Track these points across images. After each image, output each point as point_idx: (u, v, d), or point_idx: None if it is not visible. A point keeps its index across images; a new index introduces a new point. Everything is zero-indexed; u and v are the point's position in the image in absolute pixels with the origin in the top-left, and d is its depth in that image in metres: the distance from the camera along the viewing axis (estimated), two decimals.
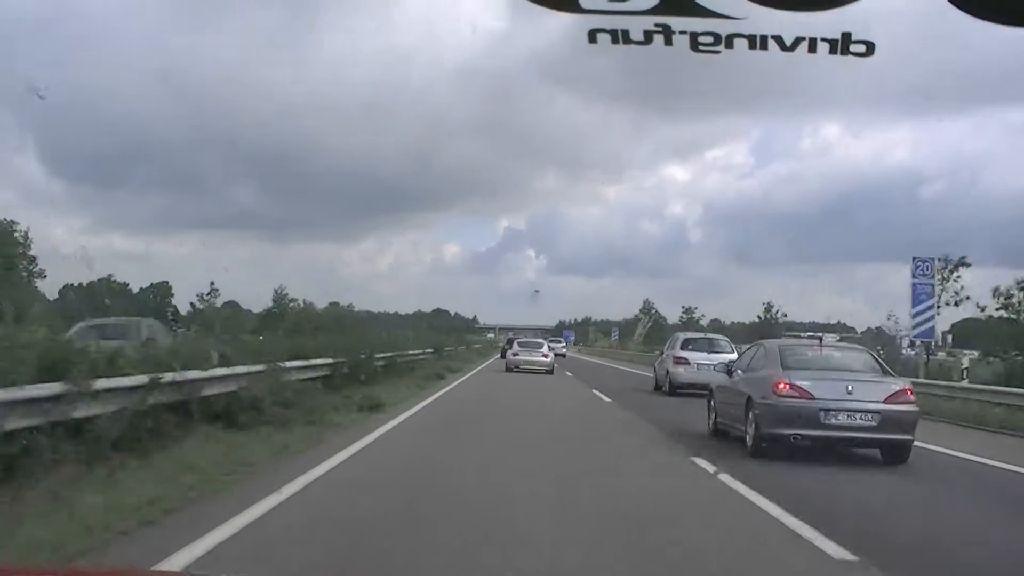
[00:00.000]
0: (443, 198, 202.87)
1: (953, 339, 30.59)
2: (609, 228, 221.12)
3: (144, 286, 70.54)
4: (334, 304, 40.15)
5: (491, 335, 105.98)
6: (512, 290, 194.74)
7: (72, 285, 51.37)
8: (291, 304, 35.12)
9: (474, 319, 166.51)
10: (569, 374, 31.25)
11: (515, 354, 29.55)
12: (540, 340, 33.45)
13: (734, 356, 20.66)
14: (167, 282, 74.80)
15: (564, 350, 54.70)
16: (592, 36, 2.56)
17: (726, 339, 22.39)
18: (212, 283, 51.14)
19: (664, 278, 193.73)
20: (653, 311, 79.45)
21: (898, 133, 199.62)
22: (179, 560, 4.33)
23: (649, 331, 74.93)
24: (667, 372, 20.88)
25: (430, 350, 30.27)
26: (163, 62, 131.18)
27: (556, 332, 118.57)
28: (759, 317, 54.82)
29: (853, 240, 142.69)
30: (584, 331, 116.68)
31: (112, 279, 50.77)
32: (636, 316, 79.93)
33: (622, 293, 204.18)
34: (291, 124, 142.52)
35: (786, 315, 54.71)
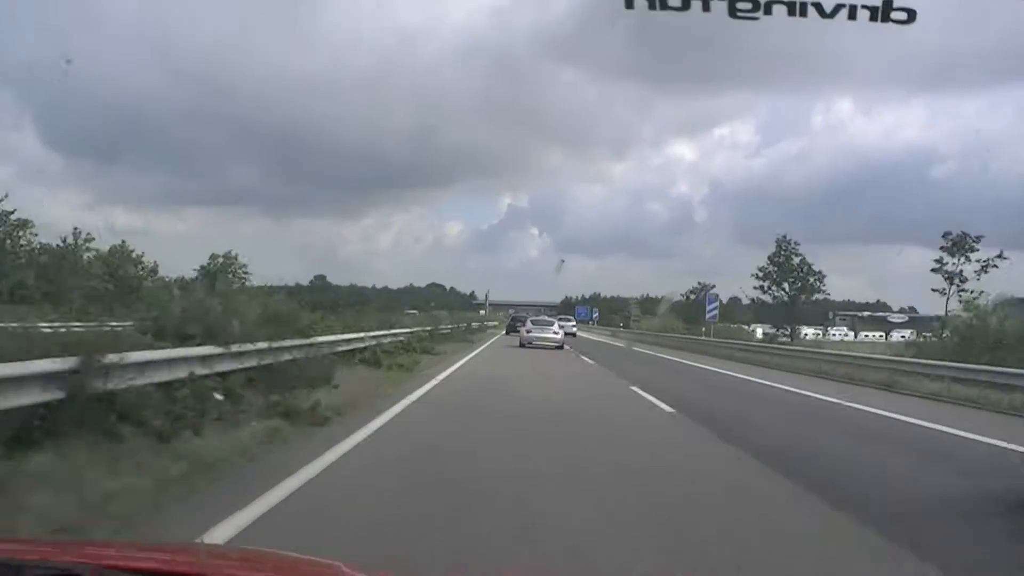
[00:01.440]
0: (445, 175, 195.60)
1: None
2: (614, 206, 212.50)
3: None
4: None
5: (483, 311, 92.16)
6: (515, 268, 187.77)
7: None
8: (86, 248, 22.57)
9: (471, 295, 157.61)
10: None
11: (528, 331, 32.64)
12: (551, 319, 36.55)
13: None
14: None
15: (574, 329, 52.25)
16: (629, 2, 3.29)
17: None
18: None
19: (670, 258, 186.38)
20: (793, 252, 45.77)
21: (911, 111, 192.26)
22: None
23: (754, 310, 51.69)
24: None
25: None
26: (163, 38, 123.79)
27: (565, 309, 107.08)
28: None
29: (861, 221, 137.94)
30: (614, 306, 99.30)
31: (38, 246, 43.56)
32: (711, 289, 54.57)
33: (627, 272, 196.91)
34: (294, 101, 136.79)
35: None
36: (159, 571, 1.48)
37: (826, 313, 64.60)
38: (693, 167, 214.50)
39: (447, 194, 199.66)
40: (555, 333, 32.04)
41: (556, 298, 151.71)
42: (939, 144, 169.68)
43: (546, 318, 36.55)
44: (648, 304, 71.65)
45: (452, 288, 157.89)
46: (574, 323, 57.31)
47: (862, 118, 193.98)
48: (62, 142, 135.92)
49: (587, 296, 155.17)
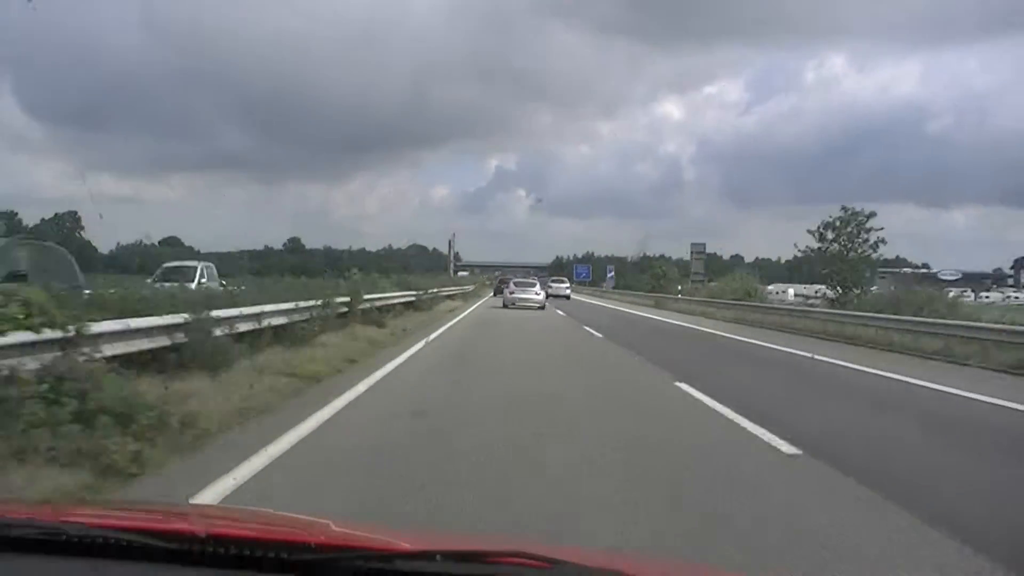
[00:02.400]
0: (433, 137, 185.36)
1: None
2: (602, 167, 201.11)
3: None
4: None
5: (463, 273, 77.36)
6: (502, 229, 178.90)
7: None
8: None
9: (456, 256, 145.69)
10: None
11: (511, 292, 33.34)
12: (533, 280, 37.19)
13: None
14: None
15: (568, 291, 49.17)
16: None
17: None
18: None
19: (658, 218, 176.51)
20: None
21: (904, 66, 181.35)
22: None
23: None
24: None
25: None
26: None
27: (556, 270, 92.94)
28: None
29: (853, 179, 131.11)
30: (602, 266, 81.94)
31: None
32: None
33: (616, 233, 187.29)
34: (281, 63, 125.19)
35: None
36: (147, 529, 1.37)
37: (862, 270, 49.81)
38: (682, 126, 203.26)
39: (435, 156, 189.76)
40: (536, 294, 33.04)
41: (546, 258, 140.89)
42: (934, 99, 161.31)
43: (529, 280, 37.77)
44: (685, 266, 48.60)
45: (435, 249, 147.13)
46: (567, 285, 52.17)
47: (856, 73, 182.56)
48: (44, 108, 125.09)
49: (579, 256, 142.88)
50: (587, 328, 19.61)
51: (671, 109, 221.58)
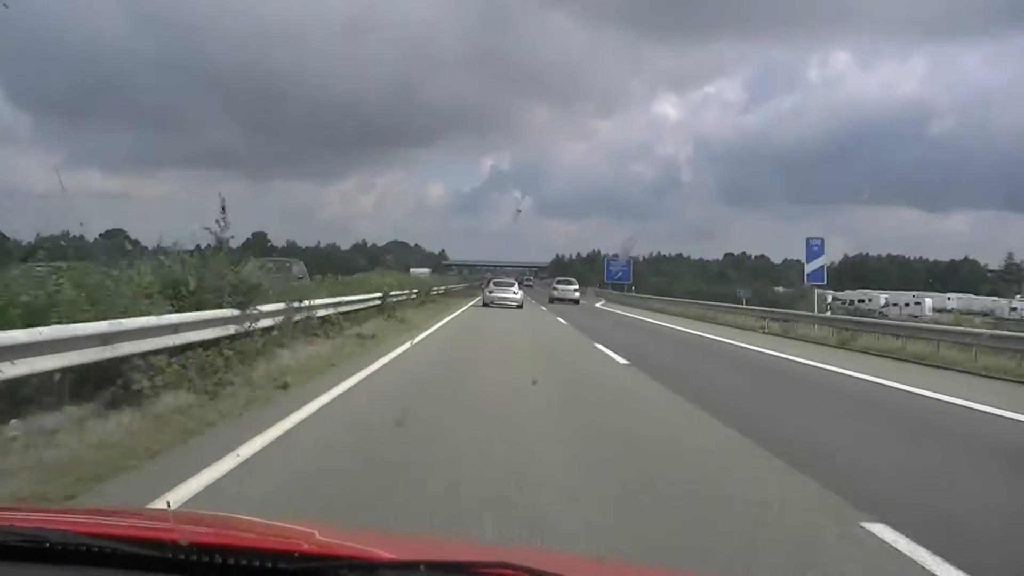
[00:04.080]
0: (427, 136, 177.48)
1: None
2: (599, 166, 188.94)
3: None
4: None
5: (421, 271, 65.91)
6: (497, 229, 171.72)
7: None
8: None
9: (441, 253, 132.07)
10: None
11: (491, 292, 36.26)
12: (512, 280, 40.25)
13: None
14: None
15: (576, 294, 45.63)
16: None
17: None
18: None
19: (655, 218, 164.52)
20: None
21: (907, 64, 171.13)
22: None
23: None
24: None
25: None
26: None
27: (556, 270, 74.30)
28: None
29: (852, 180, 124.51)
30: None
31: None
32: None
33: (614, 233, 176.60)
34: (271, 58, 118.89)
35: None
36: (130, 537, 1.36)
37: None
38: (681, 124, 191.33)
39: (428, 154, 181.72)
40: (514, 294, 35.55)
41: (545, 258, 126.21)
42: (936, 98, 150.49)
43: (507, 280, 40.26)
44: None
45: (417, 245, 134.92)
46: (576, 287, 46.28)
47: (859, 72, 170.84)
48: (30, 100, 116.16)
49: (583, 254, 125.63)
50: None
51: (668, 106, 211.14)
